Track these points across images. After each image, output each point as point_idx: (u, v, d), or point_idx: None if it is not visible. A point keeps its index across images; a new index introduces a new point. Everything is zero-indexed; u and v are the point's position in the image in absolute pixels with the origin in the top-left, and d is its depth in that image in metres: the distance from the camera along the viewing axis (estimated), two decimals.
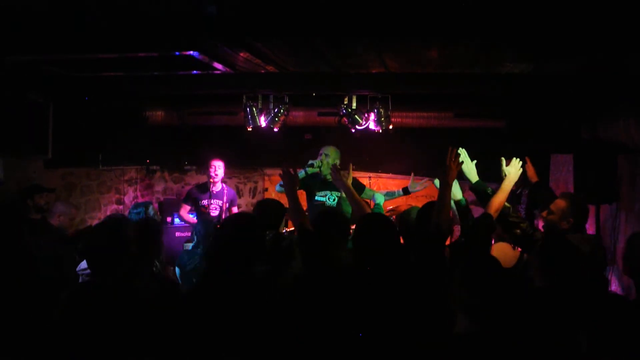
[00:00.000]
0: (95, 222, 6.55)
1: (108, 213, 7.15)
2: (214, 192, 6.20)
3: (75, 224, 6.38)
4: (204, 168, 6.32)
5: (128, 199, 7.77)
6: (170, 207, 7.85)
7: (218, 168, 6.18)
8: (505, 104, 6.24)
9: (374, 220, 2.93)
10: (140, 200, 8.10)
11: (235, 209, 6.35)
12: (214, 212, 6.18)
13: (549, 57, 3.39)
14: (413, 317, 2.42)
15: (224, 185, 6.33)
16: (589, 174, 4.99)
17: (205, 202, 6.16)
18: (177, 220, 7.56)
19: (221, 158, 6.30)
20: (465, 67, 3.86)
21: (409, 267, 2.85)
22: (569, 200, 3.62)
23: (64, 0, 2.90)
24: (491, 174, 6.59)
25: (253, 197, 8.59)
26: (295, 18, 2.72)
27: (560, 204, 3.60)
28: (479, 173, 6.57)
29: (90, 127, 6.16)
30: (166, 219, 7.71)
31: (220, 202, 6.18)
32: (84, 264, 3.60)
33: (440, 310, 2.40)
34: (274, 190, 8.52)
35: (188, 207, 6.35)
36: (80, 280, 3.58)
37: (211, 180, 6.17)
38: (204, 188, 6.24)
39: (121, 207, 7.51)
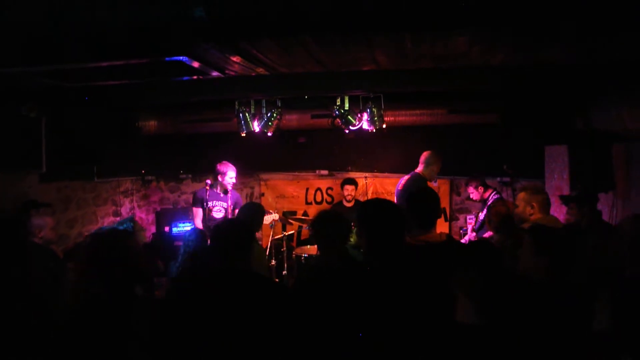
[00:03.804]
0: None
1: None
2: (220, 194, 6.13)
3: (72, 237, 6.39)
4: (207, 174, 6.20)
5: (125, 211, 7.74)
6: (167, 216, 7.82)
7: (233, 177, 6.10)
8: (498, 97, 6.26)
9: (383, 203, 2.92)
10: (137, 211, 8.09)
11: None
12: (218, 214, 6.08)
13: (543, 44, 3.39)
14: (417, 304, 2.43)
15: (231, 189, 6.21)
16: (584, 164, 5.00)
17: (210, 204, 6.01)
18: (174, 229, 7.54)
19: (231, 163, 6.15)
20: (456, 60, 3.86)
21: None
22: (526, 190, 4.26)
23: (52, 10, 2.90)
24: (487, 169, 6.64)
25: (269, 214, 8.52)
26: (282, 16, 2.72)
27: (520, 195, 4.25)
28: (474, 168, 6.63)
29: (84, 140, 6.14)
30: (164, 229, 7.68)
31: (225, 205, 6.08)
32: None
33: (441, 295, 2.39)
34: (271, 195, 8.56)
35: (201, 212, 6.06)
36: None
37: (225, 187, 6.08)
38: (211, 190, 6.04)
39: (118, 218, 7.48)
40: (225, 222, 2.78)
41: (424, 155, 5.75)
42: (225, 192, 6.11)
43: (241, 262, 2.49)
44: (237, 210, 6.00)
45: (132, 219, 6.91)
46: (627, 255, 2.73)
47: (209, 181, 5.98)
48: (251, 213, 4.76)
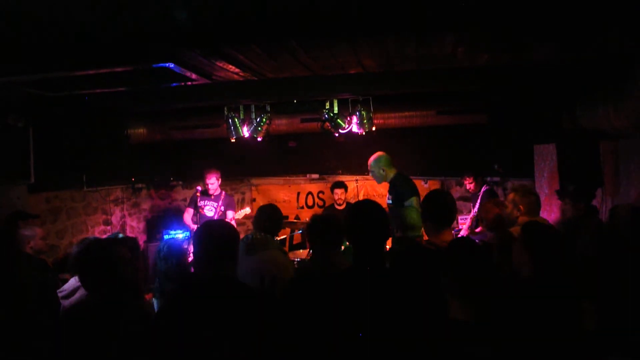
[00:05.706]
0: None
1: (96, 235, 7.07)
2: (212, 195, 6.67)
3: (63, 247, 6.34)
4: (198, 181, 6.72)
5: (115, 219, 7.70)
6: (158, 224, 7.79)
7: (212, 183, 6.59)
8: (486, 98, 6.29)
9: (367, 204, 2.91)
10: (127, 219, 8.04)
11: (230, 213, 6.60)
12: (209, 213, 6.58)
13: (527, 45, 3.41)
14: (410, 308, 2.43)
15: (224, 192, 6.77)
16: (573, 161, 5.03)
17: (202, 203, 6.56)
18: (166, 237, 7.51)
19: (214, 170, 6.62)
20: (443, 62, 3.87)
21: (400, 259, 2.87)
22: (516, 191, 4.13)
23: (36, 19, 2.88)
24: (477, 169, 6.66)
25: (241, 209, 8.54)
26: (267, 22, 2.72)
27: (509, 196, 4.14)
28: (464, 168, 6.65)
29: (73, 149, 6.11)
30: (155, 236, 7.66)
31: (215, 205, 6.57)
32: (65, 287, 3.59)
33: (434, 298, 2.39)
34: (263, 200, 8.54)
35: (192, 210, 6.70)
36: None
37: (208, 191, 6.62)
38: (204, 192, 6.66)
39: (109, 227, 7.44)
40: (210, 226, 2.59)
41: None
42: (210, 195, 6.62)
43: (229, 270, 2.43)
44: (228, 211, 6.60)
45: (118, 234, 7.00)
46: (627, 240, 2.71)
47: (199, 187, 6.59)
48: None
